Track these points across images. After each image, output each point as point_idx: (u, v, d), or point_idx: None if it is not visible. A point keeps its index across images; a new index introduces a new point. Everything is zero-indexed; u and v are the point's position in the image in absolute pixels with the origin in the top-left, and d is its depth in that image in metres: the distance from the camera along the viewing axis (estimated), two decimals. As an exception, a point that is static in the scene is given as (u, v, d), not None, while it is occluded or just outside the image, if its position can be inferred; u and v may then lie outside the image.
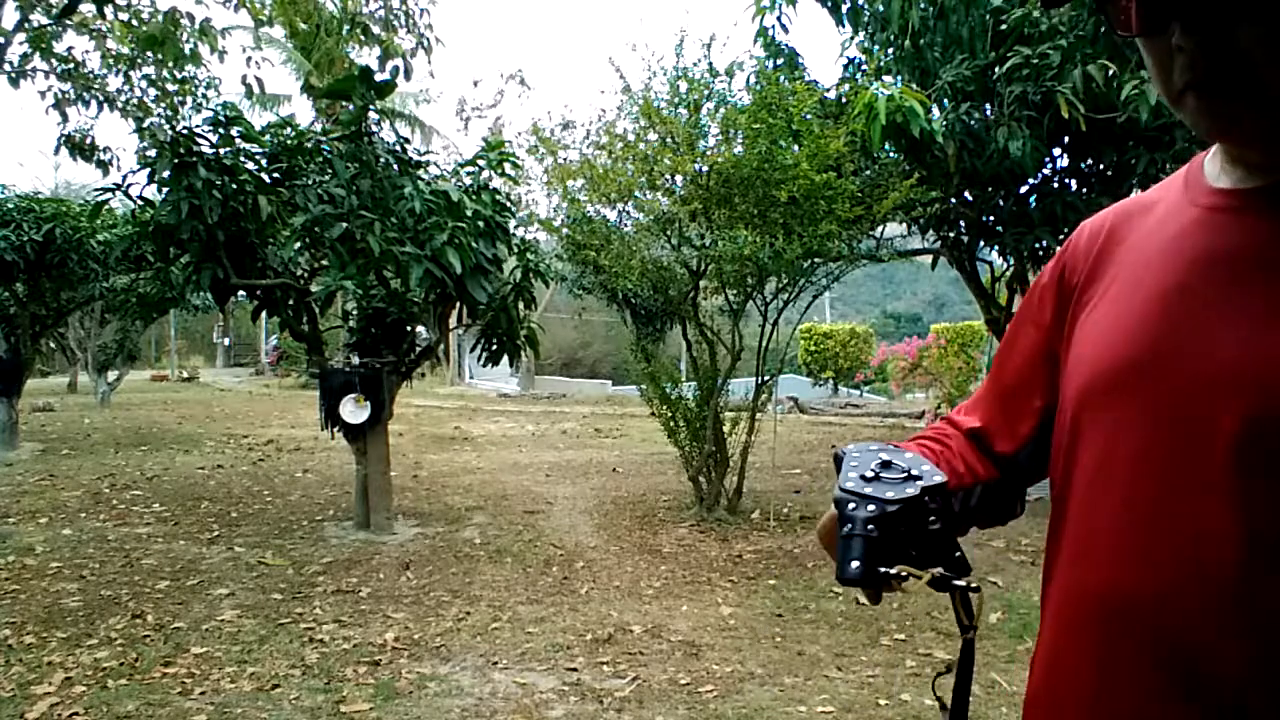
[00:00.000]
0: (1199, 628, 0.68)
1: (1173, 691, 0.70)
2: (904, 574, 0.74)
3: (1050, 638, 0.83)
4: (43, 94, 7.36)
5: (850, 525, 0.75)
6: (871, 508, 0.75)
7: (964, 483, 0.91)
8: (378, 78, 4.85)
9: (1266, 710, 0.65)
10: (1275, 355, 0.66)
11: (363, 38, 7.01)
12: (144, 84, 7.45)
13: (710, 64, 6.01)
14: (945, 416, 1.05)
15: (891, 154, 6.23)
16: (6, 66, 6.88)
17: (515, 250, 5.77)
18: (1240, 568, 0.66)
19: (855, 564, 0.74)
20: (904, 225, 7.32)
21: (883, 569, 0.74)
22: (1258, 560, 0.65)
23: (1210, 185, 0.77)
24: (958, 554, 0.79)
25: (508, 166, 5.57)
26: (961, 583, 0.77)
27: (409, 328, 5.91)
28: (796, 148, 5.49)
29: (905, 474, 0.78)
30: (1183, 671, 0.69)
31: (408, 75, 6.70)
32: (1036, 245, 6.66)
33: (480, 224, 5.05)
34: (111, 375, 13.98)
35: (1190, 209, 0.78)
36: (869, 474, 0.78)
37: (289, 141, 5.11)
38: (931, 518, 0.77)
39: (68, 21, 6.91)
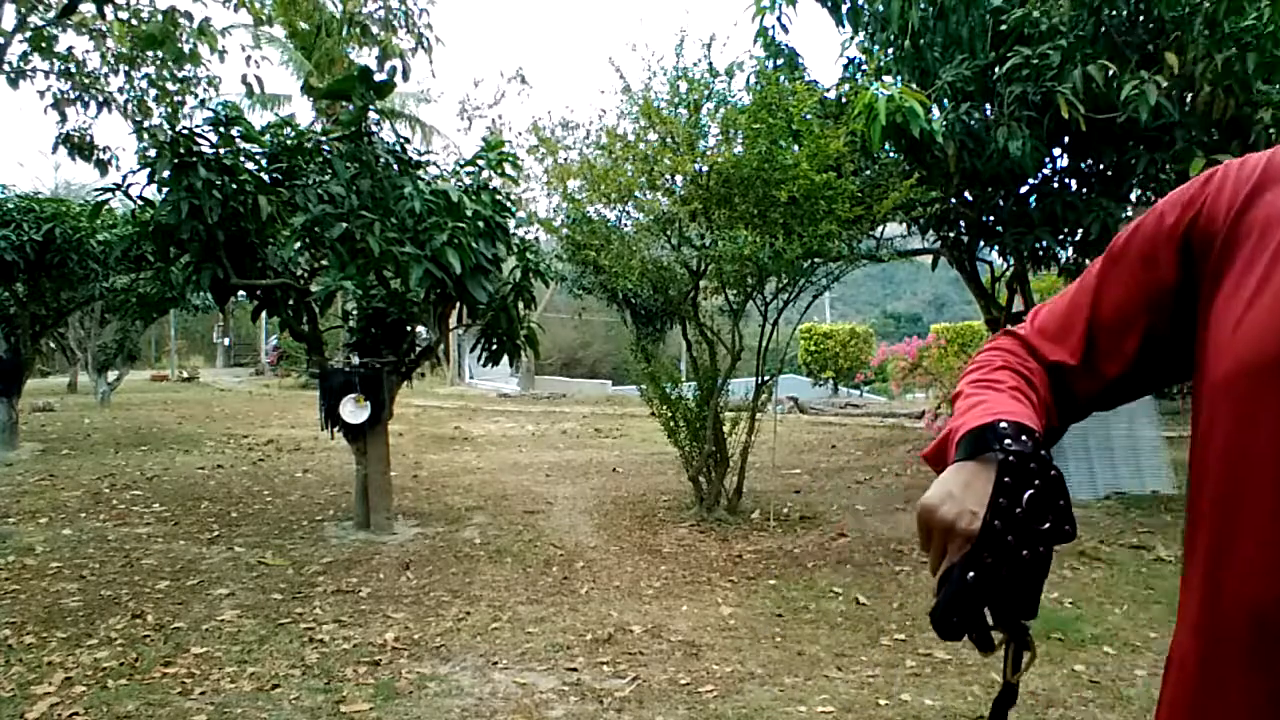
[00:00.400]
0: None
1: None
2: (973, 636, 0.77)
3: (1190, 650, 0.78)
4: (41, 94, 7.37)
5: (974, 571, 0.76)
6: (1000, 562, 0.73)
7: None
8: (377, 78, 4.85)
9: None
10: None
11: (362, 38, 7.01)
12: (144, 84, 7.45)
13: (710, 64, 6.01)
14: (1019, 335, 0.95)
15: (891, 154, 6.23)
16: (5, 67, 6.88)
17: (515, 250, 5.77)
18: None
19: (954, 621, 0.78)
20: (904, 225, 7.32)
21: (961, 629, 0.78)
22: None
23: None
24: (1032, 614, 0.78)
25: (508, 166, 5.56)
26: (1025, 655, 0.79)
27: (409, 328, 5.90)
28: (796, 148, 5.49)
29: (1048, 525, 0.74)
30: None
31: (406, 75, 6.72)
32: (1036, 245, 6.67)
33: (480, 224, 5.05)
34: (111, 375, 13.99)
35: None
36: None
37: (289, 141, 5.11)
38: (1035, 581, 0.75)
39: (67, 21, 6.91)
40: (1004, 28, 5.77)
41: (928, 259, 8.58)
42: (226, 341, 27.61)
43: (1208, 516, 0.75)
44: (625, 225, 6.35)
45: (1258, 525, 0.69)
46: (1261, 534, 0.69)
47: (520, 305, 6.02)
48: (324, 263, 5.48)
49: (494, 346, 6.07)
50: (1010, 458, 0.75)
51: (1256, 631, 0.69)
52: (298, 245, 5.36)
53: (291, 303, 5.54)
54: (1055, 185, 6.94)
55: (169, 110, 7.35)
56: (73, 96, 7.39)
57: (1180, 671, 0.80)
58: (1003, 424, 0.78)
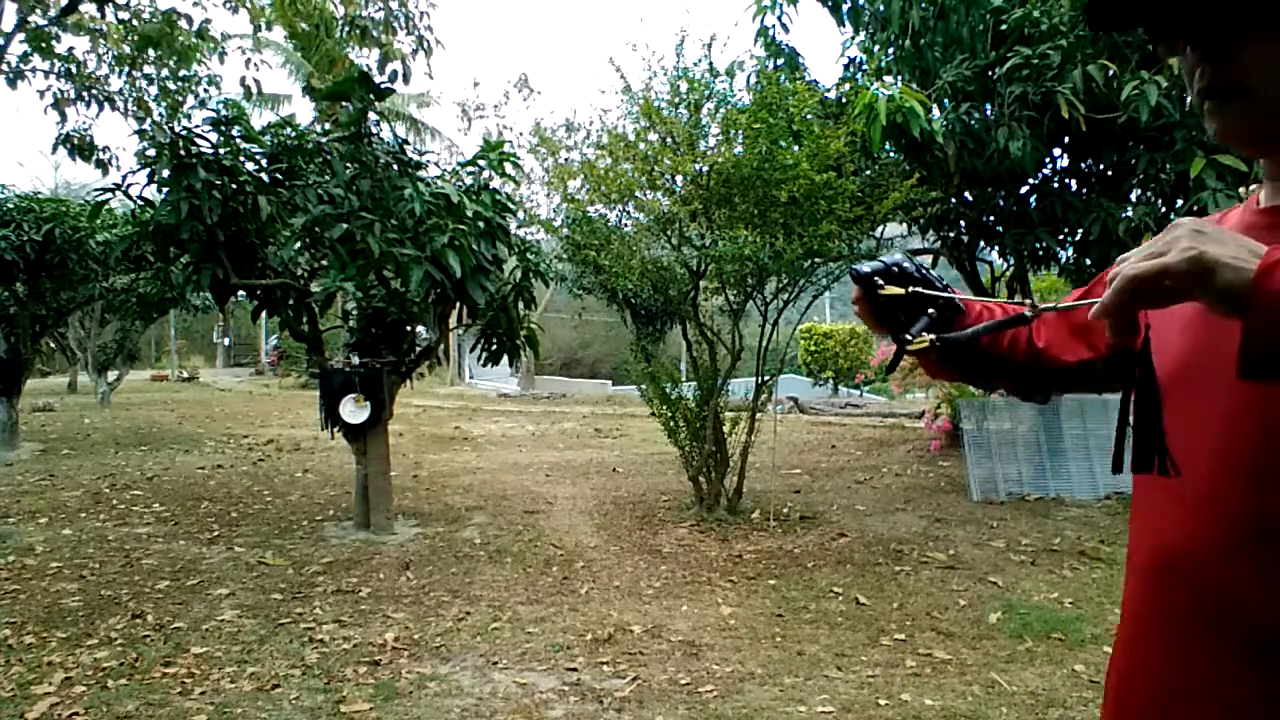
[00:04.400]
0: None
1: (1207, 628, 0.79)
2: (880, 283, 0.98)
3: (1128, 593, 0.92)
4: (41, 93, 7.36)
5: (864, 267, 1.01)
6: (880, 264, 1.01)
7: (1001, 349, 1.05)
8: (376, 79, 4.85)
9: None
10: None
11: (362, 40, 7.00)
12: (144, 83, 7.44)
13: (710, 64, 6.01)
14: (1041, 309, 1.07)
15: (892, 154, 6.23)
16: (5, 67, 6.88)
17: (515, 250, 5.77)
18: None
19: (867, 266, 1.00)
20: (904, 225, 7.32)
21: (876, 281, 0.98)
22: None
23: (1256, 206, 0.84)
24: (918, 323, 0.97)
25: (508, 167, 5.56)
26: (906, 338, 0.97)
27: (409, 328, 5.90)
28: (797, 148, 5.49)
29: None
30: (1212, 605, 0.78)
31: (405, 79, 6.70)
32: (1036, 245, 6.67)
33: (480, 225, 5.05)
34: (111, 375, 13.99)
35: (1238, 228, 0.84)
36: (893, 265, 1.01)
37: (289, 142, 5.11)
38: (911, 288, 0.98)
39: (66, 22, 6.90)
40: (1004, 28, 5.77)
41: (928, 259, 8.58)
42: (226, 341, 27.60)
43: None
44: (625, 225, 6.35)
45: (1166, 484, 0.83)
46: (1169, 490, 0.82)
47: (520, 305, 6.02)
48: (324, 263, 5.47)
49: (494, 346, 6.07)
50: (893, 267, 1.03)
51: (1167, 573, 0.83)
52: (298, 245, 5.36)
53: (291, 303, 5.54)
54: (1055, 185, 6.94)
55: (168, 110, 7.35)
56: (72, 96, 7.39)
57: (1121, 627, 0.93)
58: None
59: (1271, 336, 0.59)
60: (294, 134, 5.18)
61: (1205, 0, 0.75)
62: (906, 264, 1.00)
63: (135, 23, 6.96)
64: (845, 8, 6.93)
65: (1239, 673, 0.76)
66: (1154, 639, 0.84)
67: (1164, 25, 0.80)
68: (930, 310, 0.97)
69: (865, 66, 7.00)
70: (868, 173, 6.14)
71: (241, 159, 4.98)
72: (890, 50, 6.73)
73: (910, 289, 0.97)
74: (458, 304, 5.64)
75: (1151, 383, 0.75)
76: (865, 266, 0.99)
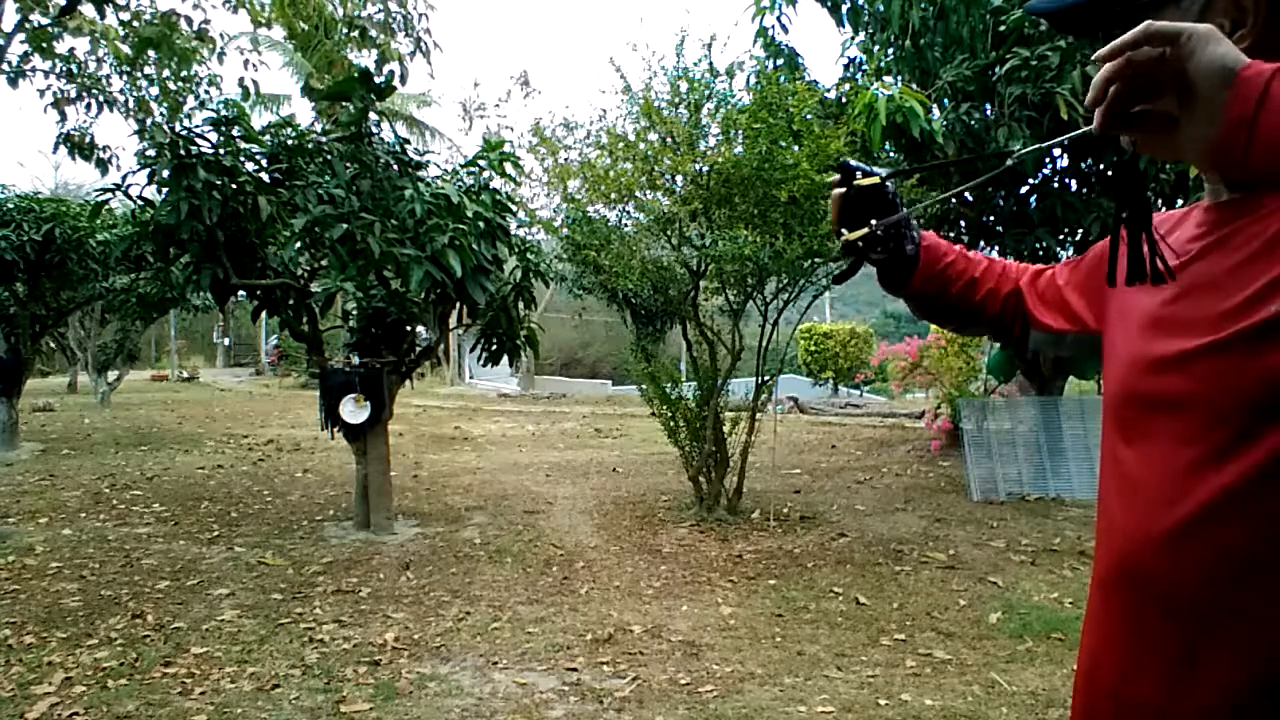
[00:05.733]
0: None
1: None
2: (858, 175, 1.08)
3: (1091, 601, 0.96)
4: (41, 93, 7.37)
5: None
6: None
7: (973, 303, 1.20)
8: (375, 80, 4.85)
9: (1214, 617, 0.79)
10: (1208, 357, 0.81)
11: (361, 41, 7.01)
12: (145, 83, 7.45)
13: (711, 64, 6.00)
14: (1038, 272, 1.22)
15: (891, 154, 6.23)
16: (5, 66, 6.88)
17: (515, 250, 5.77)
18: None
19: (854, 163, 1.11)
20: (903, 225, 7.31)
21: (858, 176, 1.08)
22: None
23: (1204, 205, 0.91)
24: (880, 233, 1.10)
25: (509, 167, 5.56)
26: (842, 231, 1.11)
27: (409, 328, 5.91)
28: (797, 148, 5.49)
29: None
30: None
31: (403, 80, 6.71)
32: (1036, 245, 6.67)
33: (481, 225, 5.05)
34: (111, 375, 14.00)
35: (1191, 225, 0.93)
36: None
37: (289, 142, 5.11)
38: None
39: (65, 22, 6.90)
40: (1004, 28, 5.77)
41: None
42: (227, 341, 27.63)
43: (1100, 490, 0.97)
44: (625, 225, 6.35)
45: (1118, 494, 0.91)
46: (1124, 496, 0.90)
47: (520, 305, 6.02)
48: (324, 263, 5.47)
49: (494, 346, 6.07)
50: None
51: (1127, 579, 0.86)
52: (298, 246, 5.35)
53: (292, 303, 5.54)
54: (1055, 185, 6.94)
55: (168, 110, 7.35)
56: (73, 96, 7.39)
57: (1087, 622, 0.97)
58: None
59: (1247, 111, 0.64)
60: (294, 134, 5.18)
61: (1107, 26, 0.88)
62: (890, 184, 1.09)
63: (136, 24, 6.96)
64: (845, 8, 6.93)
65: (1199, 669, 0.79)
66: (1117, 643, 0.88)
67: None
68: (874, 222, 1.08)
69: (865, 66, 7.00)
70: (868, 173, 6.12)
71: (241, 159, 4.98)
72: (890, 50, 6.73)
73: (884, 179, 1.07)
74: (458, 304, 5.65)
75: (1142, 195, 0.80)
76: (854, 163, 1.10)
